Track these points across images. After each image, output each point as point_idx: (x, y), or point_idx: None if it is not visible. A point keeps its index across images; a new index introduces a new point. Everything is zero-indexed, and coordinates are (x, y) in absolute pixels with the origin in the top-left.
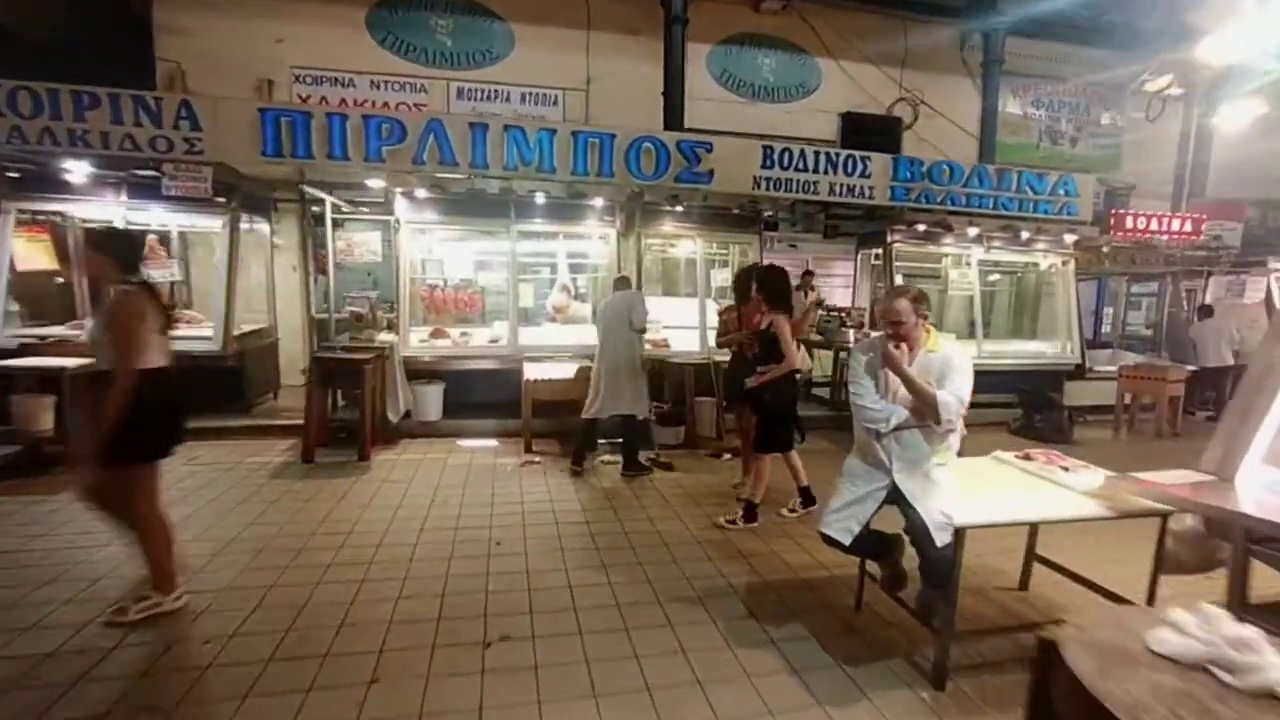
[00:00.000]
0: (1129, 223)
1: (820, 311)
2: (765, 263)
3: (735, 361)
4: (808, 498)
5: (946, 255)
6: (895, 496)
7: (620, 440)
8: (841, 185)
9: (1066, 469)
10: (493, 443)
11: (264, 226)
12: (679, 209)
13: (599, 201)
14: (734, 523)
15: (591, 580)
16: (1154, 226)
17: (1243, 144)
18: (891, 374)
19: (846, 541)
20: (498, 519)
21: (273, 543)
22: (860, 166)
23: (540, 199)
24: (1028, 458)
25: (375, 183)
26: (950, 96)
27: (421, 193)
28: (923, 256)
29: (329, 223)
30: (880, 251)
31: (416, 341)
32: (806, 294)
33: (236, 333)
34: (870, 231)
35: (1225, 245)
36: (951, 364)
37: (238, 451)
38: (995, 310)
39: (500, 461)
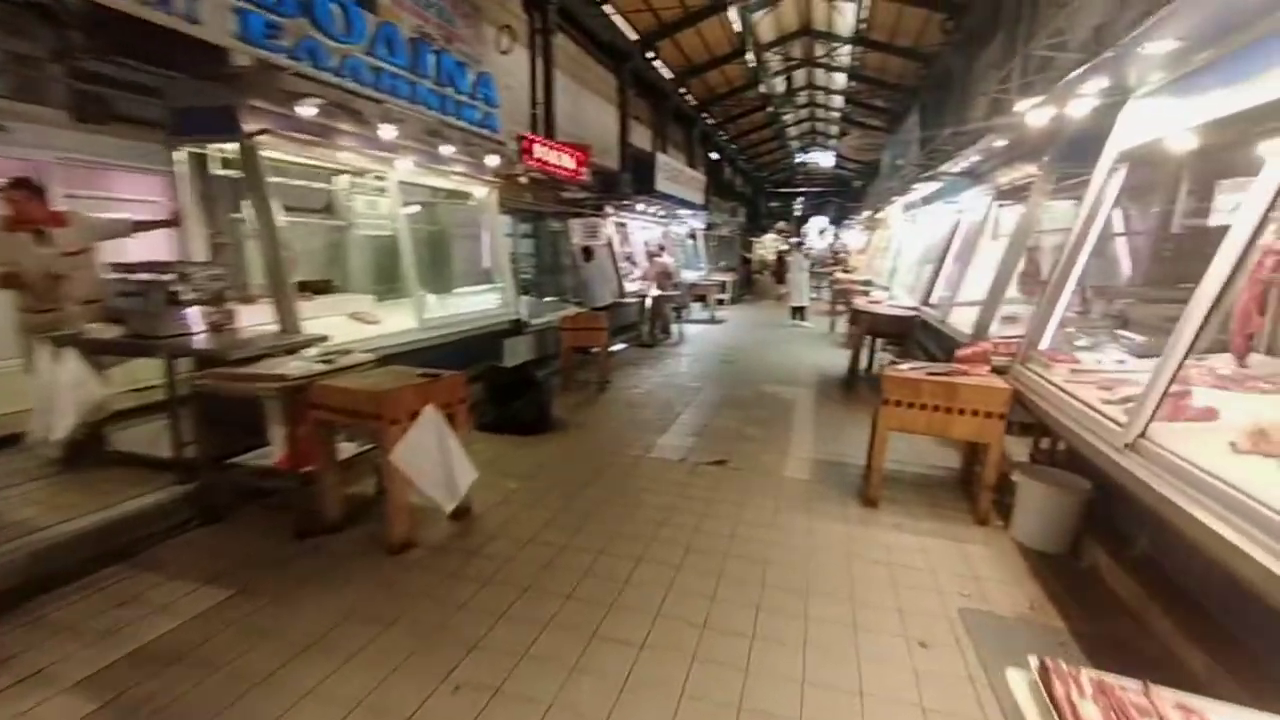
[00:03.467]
0: (538, 151)
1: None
2: None
3: None
4: None
5: (346, 173)
6: None
7: None
8: None
9: None
10: None
11: None
12: None
13: None
14: None
15: None
16: (561, 161)
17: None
18: None
19: None
20: None
21: None
22: None
23: None
24: None
25: None
26: None
27: None
28: (308, 170)
29: None
30: (236, 150)
31: None
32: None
33: None
34: (201, 110)
35: (588, 186)
36: None
37: None
38: (416, 258)
39: None
